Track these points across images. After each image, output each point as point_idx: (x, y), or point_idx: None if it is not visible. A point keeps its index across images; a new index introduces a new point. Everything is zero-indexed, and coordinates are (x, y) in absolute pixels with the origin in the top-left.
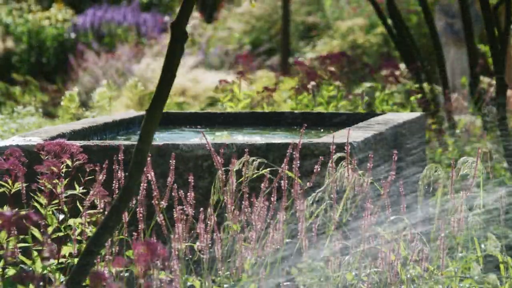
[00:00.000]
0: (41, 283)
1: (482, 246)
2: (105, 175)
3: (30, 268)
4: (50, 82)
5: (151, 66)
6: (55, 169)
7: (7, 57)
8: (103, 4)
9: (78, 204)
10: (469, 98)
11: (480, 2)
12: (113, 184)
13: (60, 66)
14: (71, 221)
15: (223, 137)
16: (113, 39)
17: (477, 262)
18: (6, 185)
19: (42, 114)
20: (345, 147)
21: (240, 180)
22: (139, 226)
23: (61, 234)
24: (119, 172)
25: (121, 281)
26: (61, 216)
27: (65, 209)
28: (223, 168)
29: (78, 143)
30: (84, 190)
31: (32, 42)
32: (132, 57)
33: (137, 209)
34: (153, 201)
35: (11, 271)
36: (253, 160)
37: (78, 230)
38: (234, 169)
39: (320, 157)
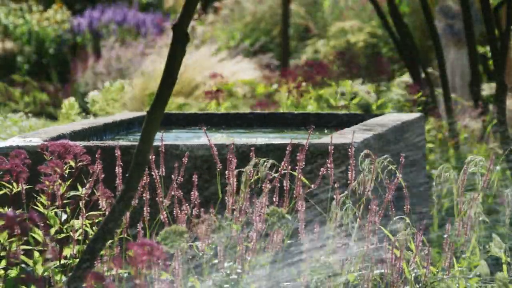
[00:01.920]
0: (43, 284)
1: (487, 247)
2: (103, 175)
3: (31, 269)
4: (51, 83)
5: (153, 66)
6: (58, 170)
7: (7, 58)
8: (102, 4)
9: (80, 205)
10: (469, 99)
11: (481, 3)
12: (115, 184)
13: (60, 67)
14: (73, 222)
15: (223, 138)
16: (113, 40)
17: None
18: (9, 186)
19: (29, 117)
20: (346, 148)
21: (252, 180)
22: (139, 225)
23: (63, 235)
24: (118, 172)
25: (120, 282)
26: (64, 217)
27: (68, 210)
28: (220, 167)
29: (78, 143)
30: (88, 191)
31: (32, 43)
32: (132, 58)
33: (138, 209)
34: (157, 198)
35: (13, 272)
36: (265, 162)
37: (80, 231)
38: (246, 169)
39: (327, 160)
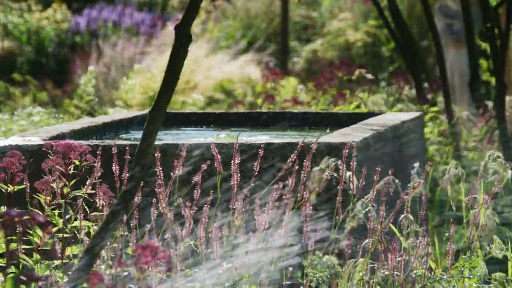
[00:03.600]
0: (44, 283)
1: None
2: (104, 174)
3: (32, 268)
4: (50, 82)
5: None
6: (61, 168)
7: (7, 57)
8: (100, 3)
9: (83, 205)
10: (468, 98)
11: (480, 3)
12: (114, 183)
13: (59, 66)
14: (76, 222)
15: (223, 137)
16: (112, 39)
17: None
18: (3, 185)
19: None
20: (344, 147)
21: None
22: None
23: (66, 235)
24: (118, 171)
25: (120, 281)
26: (67, 216)
27: (70, 210)
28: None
29: (83, 143)
30: (92, 191)
31: (31, 42)
32: (131, 57)
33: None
34: (159, 193)
35: (11, 270)
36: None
37: (84, 231)
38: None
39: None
